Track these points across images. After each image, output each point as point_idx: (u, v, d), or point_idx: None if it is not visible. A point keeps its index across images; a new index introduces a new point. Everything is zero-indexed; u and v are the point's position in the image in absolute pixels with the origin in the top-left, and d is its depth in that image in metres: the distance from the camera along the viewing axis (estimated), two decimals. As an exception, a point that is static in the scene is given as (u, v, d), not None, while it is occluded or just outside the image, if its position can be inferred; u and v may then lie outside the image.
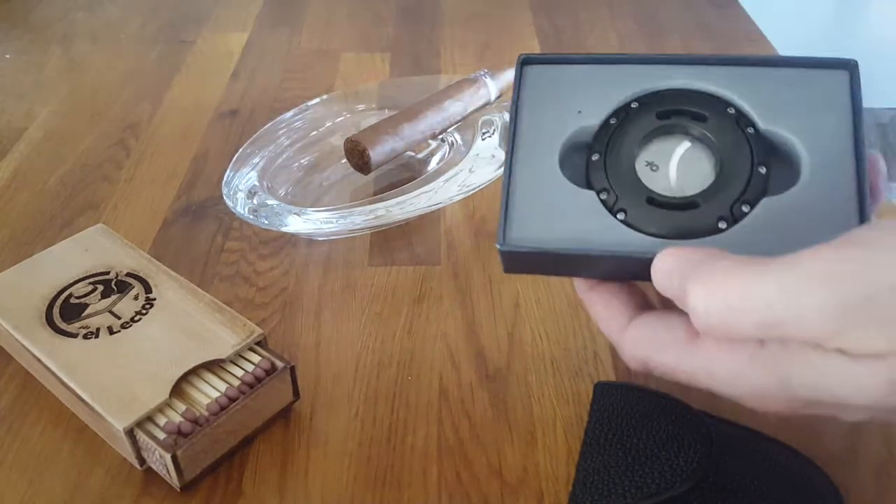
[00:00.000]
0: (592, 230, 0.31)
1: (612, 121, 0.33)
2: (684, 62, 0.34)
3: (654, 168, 0.32)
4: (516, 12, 0.83)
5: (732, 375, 0.27)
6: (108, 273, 0.43)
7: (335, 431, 0.39)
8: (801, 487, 0.34)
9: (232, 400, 0.36)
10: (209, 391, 0.37)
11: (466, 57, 0.74)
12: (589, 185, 0.32)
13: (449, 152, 0.55)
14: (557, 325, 0.44)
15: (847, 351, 0.23)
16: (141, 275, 0.43)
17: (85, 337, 0.39)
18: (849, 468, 0.36)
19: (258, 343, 0.39)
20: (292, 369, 0.38)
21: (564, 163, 0.33)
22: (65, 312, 0.41)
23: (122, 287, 0.42)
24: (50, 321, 0.40)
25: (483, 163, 0.51)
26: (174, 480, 0.35)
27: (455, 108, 0.54)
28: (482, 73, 0.56)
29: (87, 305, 0.41)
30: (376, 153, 0.51)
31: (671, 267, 0.27)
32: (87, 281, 0.43)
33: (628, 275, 0.32)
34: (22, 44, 0.81)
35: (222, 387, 0.37)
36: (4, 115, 0.67)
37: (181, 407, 0.36)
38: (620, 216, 0.31)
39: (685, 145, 0.33)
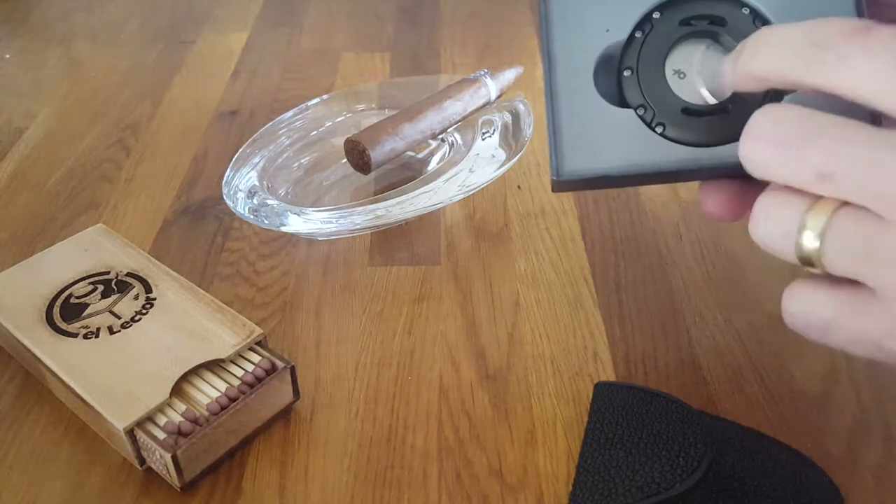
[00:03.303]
0: (636, 147, 0.33)
1: (638, 34, 0.34)
2: None
3: (681, 76, 0.34)
4: (516, 12, 0.83)
5: None
6: (108, 273, 0.43)
7: (335, 431, 0.39)
8: (801, 487, 0.34)
9: (232, 400, 0.36)
10: (209, 391, 0.37)
11: (466, 57, 0.74)
12: (624, 103, 0.34)
13: (449, 152, 0.55)
14: (557, 325, 0.44)
15: None
16: (141, 275, 0.43)
17: (85, 337, 0.39)
18: (849, 468, 0.36)
19: (258, 343, 0.39)
20: (292, 369, 0.38)
21: (595, 81, 0.35)
22: (65, 312, 0.41)
23: (122, 287, 0.42)
24: (50, 321, 0.40)
25: (483, 163, 0.51)
26: (174, 480, 0.35)
27: (455, 108, 0.54)
28: (482, 73, 0.56)
29: (87, 305, 0.41)
30: (376, 153, 0.51)
31: (787, 33, 0.28)
32: (87, 281, 0.43)
33: (677, 182, 0.34)
34: (22, 44, 0.81)
35: (222, 387, 0.37)
36: (4, 115, 0.67)
37: (181, 407, 0.36)
38: (659, 129, 0.33)
39: (707, 49, 0.34)
